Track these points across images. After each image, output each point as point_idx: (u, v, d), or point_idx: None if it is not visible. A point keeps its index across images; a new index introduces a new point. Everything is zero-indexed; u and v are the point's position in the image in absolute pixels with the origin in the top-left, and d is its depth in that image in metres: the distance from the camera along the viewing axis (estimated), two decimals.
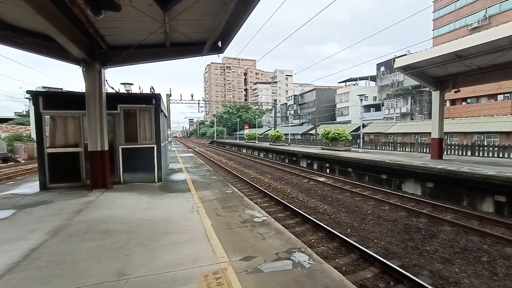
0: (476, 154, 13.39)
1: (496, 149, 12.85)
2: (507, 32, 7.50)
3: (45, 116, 7.09)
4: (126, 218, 4.60)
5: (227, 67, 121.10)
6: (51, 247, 3.45)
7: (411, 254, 5.03)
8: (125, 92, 9.16)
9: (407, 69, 11.55)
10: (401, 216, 7.12)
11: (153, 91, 9.80)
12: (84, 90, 6.84)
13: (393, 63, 12.35)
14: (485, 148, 13.34)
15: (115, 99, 7.47)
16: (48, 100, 7.09)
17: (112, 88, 7.47)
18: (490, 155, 12.86)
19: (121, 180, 7.63)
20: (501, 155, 12.42)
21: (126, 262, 3.03)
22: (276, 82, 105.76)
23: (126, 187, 7.25)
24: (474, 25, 36.06)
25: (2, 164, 21.65)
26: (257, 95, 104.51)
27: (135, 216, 4.71)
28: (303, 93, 62.55)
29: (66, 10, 5.00)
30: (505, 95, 29.33)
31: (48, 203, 5.67)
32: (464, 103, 33.27)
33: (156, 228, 4.11)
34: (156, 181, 7.91)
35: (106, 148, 7.00)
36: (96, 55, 6.74)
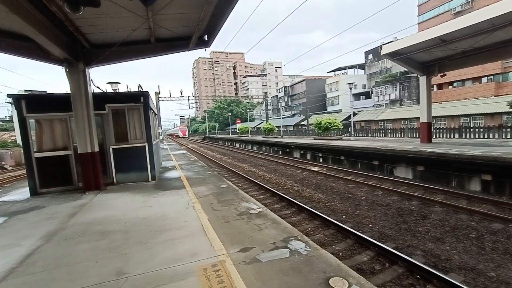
0: (464, 136, 13.78)
1: (481, 130, 13.25)
2: (488, 15, 7.65)
3: (30, 120, 6.87)
4: (121, 218, 4.57)
5: (215, 61, 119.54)
6: (47, 252, 3.41)
7: (405, 236, 5.19)
8: (112, 91, 8.95)
9: (394, 56, 11.67)
10: (394, 200, 7.31)
11: (141, 89, 9.62)
12: (69, 91, 6.66)
13: (381, 50, 12.45)
14: (471, 130, 13.74)
15: (102, 99, 7.30)
16: (31, 103, 6.86)
17: (99, 88, 7.30)
18: (477, 136, 13.26)
19: (114, 180, 7.53)
20: (486, 136, 12.83)
21: (124, 261, 3.02)
22: (265, 74, 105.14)
23: (119, 187, 7.17)
24: (458, 10, 36.51)
25: None
26: (247, 89, 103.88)
27: (130, 215, 4.68)
28: (293, 85, 62.49)
29: (43, 9, 4.80)
30: (489, 77, 30.05)
31: (40, 208, 5.56)
32: (450, 87, 33.94)
33: (153, 226, 4.10)
34: (150, 180, 7.85)
35: (96, 149, 6.88)
36: (79, 54, 6.54)
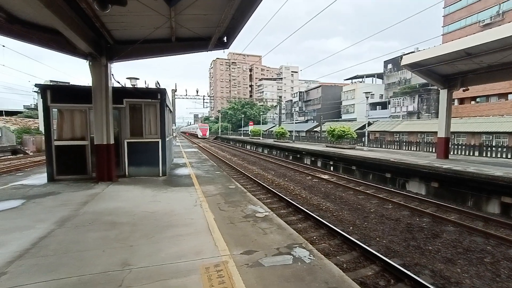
0: (484, 155, 13.18)
1: (504, 149, 12.63)
2: None
3: (53, 109, 7.21)
4: (131, 210, 4.69)
5: (233, 62, 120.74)
6: (59, 237, 3.55)
7: (413, 253, 5.02)
8: (131, 86, 9.23)
9: (415, 67, 11.38)
10: (404, 215, 7.09)
11: (158, 85, 9.86)
12: (90, 84, 6.93)
13: (401, 61, 12.17)
14: (493, 148, 13.12)
15: (121, 93, 7.55)
16: (55, 93, 7.20)
17: (118, 82, 7.55)
18: (499, 155, 12.65)
19: (126, 173, 7.75)
20: (509, 156, 12.20)
21: (130, 252, 3.10)
22: (281, 78, 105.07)
23: (131, 180, 7.36)
24: (487, 22, 35.10)
25: (11, 156, 22.13)
26: (262, 92, 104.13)
27: (139, 208, 4.80)
28: (309, 90, 62.05)
29: (73, 5, 5.06)
30: None
31: (56, 194, 5.81)
32: (473, 102, 32.61)
33: (160, 220, 4.19)
34: (160, 175, 8.01)
35: (112, 141, 7.11)
36: (102, 49, 6.81)
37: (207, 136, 59.46)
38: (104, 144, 6.93)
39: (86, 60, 6.86)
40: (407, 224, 6.42)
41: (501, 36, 7.73)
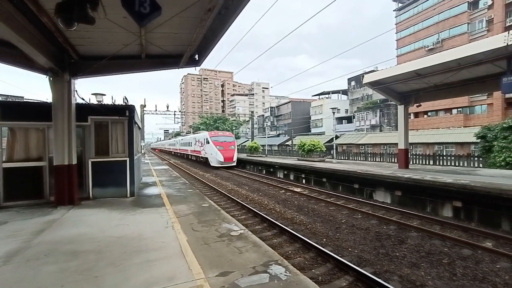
0: (438, 163, 14.56)
1: (453, 158, 14.10)
2: (455, 55, 8.51)
3: (3, 128, 6.55)
4: (95, 236, 4.34)
5: (204, 78, 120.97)
6: (3, 275, 3.13)
7: (383, 260, 5.27)
8: (97, 103, 8.78)
9: (375, 85, 12.44)
10: (373, 224, 7.47)
11: (126, 102, 9.51)
12: (49, 100, 6.47)
13: (362, 79, 13.24)
14: (444, 157, 14.59)
15: (85, 110, 7.14)
16: (7, 110, 6.57)
17: (83, 99, 7.15)
18: (449, 163, 14.06)
19: (90, 195, 7.19)
20: (457, 164, 13.64)
21: (95, 285, 2.85)
22: (253, 94, 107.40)
23: (95, 202, 6.83)
24: (430, 47, 39.95)
25: None
26: (235, 107, 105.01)
27: (105, 234, 4.46)
28: (279, 105, 64.11)
29: (31, 17, 4.78)
30: (458, 109, 32.71)
31: (1, 224, 5.15)
32: (425, 116, 36.29)
33: (128, 246, 3.92)
34: (128, 196, 7.56)
35: (75, 162, 6.60)
36: (65, 65, 6.45)
37: (234, 162, 24.30)
38: (65, 164, 6.41)
39: (46, 76, 6.43)
40: (376, 233, 6.76)
41: (443, 61, 8.90)
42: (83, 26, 4.59)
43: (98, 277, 3.01)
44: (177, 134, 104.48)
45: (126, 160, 7.54)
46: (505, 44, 7.20)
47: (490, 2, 32.75)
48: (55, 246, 3.94)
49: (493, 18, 32.28)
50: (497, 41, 7.48)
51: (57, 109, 6.35)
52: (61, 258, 3.53)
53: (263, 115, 72.41)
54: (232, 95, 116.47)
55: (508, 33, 7.21)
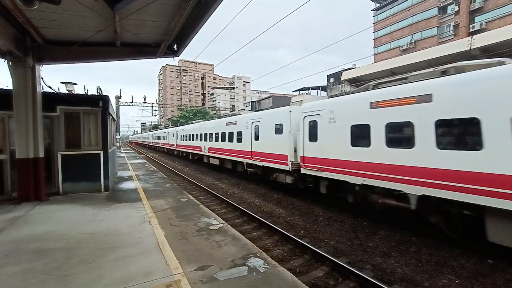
0: None
1: None
2: (425, 56, 9.08)
3: None
4: (65, 233, 4.10)
5: (184, 70, 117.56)
6: None
7: (357, 250, 5.53)
8: (67, 92, 8.20)
9: (353, 82, 12.84)
10: (348, 216, 7.77)
11: (100, 92, 8.99)
12: (9, 87, 5.94)
13: (341, 76, 13.60)
14: None
15: (54, 99, 6.66)
16: None
17: (50, 87, 6.66)
18: None
19: (60, 190, 6.78)
20: None
21: (63, 284, 2.70)
22: (234, 88, 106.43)
23: (66, 198, 6.45)
24: (404, 47, 41.90)
25: None
26: (215, 100, 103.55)
27: (76, 230, 4.23)
28: (260, 100, 64.08)
29: None
30: None
31: None
32: None
33: (102, 242, 3.76)
34: (102, 190, 7.22)
35: (41, 155, 6.16)
36: (28, 48, 5.93)
37: None
38: (30, 158, 5.95)
39: (4, 60, 5.88)
40: (351, 224, 7.05)
41: (414, 61, 9.42)
42: (48, 6, 4.25)
43: (68, 276, 2.86)
44: (155, 127, 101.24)
45: (99, 153, 7.18)
46: (469, 48, 7.77)
47: (456, 9, 34.99)
48: (17, 246, 3.68)
49: (459, 23, 34.53)
50: (461, 45, 8.06)
51: (19, 97, 5.85)
52: (24, 258, 3.30)
53: (244, 109, 72.18)
54: (213, 88, 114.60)
55: (472, 38, 7.77)
